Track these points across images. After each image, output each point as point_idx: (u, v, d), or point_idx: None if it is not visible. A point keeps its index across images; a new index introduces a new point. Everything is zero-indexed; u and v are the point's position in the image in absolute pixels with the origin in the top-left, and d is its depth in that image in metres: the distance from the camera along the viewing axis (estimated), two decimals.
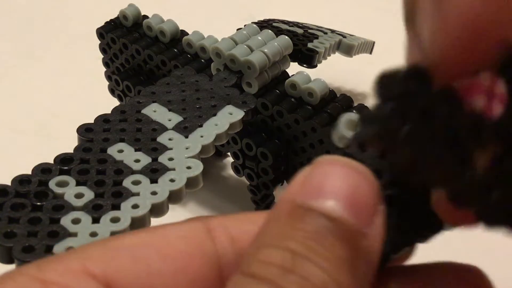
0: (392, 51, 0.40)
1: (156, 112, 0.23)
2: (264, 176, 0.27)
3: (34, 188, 0.19)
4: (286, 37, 0.26)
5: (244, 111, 0.24)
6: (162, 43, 0.29)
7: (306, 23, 0.33)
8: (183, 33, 0.29)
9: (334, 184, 0.12)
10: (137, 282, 0.13)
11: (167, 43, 0.29)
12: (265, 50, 0.25)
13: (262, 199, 0.28)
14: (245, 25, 0.28)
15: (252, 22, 0.32)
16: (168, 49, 0.29)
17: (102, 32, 0.30)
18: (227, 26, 0.33)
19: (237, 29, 0.30)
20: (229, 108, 0.24)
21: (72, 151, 0.21)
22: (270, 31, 0.27)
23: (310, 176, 0.13)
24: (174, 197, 0.20)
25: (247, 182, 0.28)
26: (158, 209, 0.20)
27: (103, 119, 0.23)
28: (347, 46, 0.31)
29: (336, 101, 0.25)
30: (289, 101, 0.25)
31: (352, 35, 0.35)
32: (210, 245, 0.14)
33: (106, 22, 0.31)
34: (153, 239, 0.14)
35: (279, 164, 0.26)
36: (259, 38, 0.26)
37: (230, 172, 0.30)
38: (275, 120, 0.26)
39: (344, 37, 0.32)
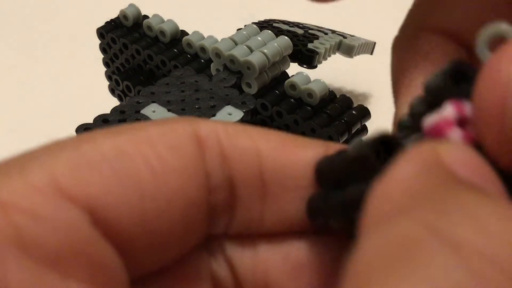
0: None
1: (155, 112, 0.23)
2: None
3: None
4: (286, 37, 0.26)
5: (244, 111, 0.24)
6: (162, 43, 0.29)
7: (306, 24, 0.33)
8: (183, 33, 0.29)
9: None
10: (127, 210, 0.10)
11: (167, 43, 0.29)
12: (265, 51, 0.25)
13: None
14: (245, 26, 0.28)
15: (252, 23, 0.32)
16: (168, 49, 0.29)
17: (102, 32, 0.30)
18: (227, 26, 0.33)
19: (237, 29, 0.30)
20: (229, 108, 0.24)
21: None
22: (270, 31, 0.27)
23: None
24: None
25: None
26: None
27: (102, 119, 0.23)
28: (347, 46, 0.31)
29: (336, 102, 0.25)
30: (289, 101, 0.25)
31: (353, 36, 0.34)
32: (201, 161, 0.12)
33: (107, 22, 0.31)
34: (137, 146, 0.11)
35: None
36: (259, 38, 0.26)
37: None
38: (274, 121, 0.26)
39: (345, 37, 0.32)
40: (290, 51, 0.26)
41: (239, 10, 0.44)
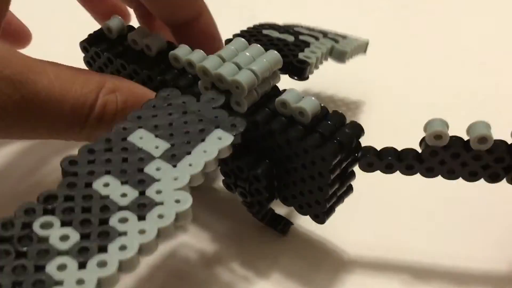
0: (385, 53, 0.39)
1: (143, 139, 0.23)
2: (258, 195, 0.26)
3: (18, 232, 0.19)
4: (275, 52, 0.25)
5: (234, 135, 0.23)
6: (148, 56, 0.28)
7: (298, 26, 0.32)
8: (170, 45, 0.28)
9: None
10: None
11: (153, 57, 0.28)
12: (253, 68, 0.24)
13: (258, 213, 0.28)
14: (234, 37, 0.27)
15: (241, 31, 0.31)
16: (155, 63, 0.28)
17: (85, 46, 0.29)
18: (228, 26, 0.32)
19: (226, 41, 0.29)
20: (218, 132, 0.23)
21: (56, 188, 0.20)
22: (258, 45, 0.26)
23: None
24: (164, 234, 0.20)
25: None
26: (147, 249, 0.19)
27: (87, 149, 0.22)
28: (339, 52, 0.30)
29: (328, 119, 0.25)
30: (280, 120, 0.25)
31: (345, 37, 0.34)
32: None
33: (90, 35, 0.30)
34: None
35: (272, 184, 0.26)
36: (247, 54, 0.25)
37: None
38: (266, 140, 0.25)
39: (337, 41, 0.31)
40: (280, 66, 0.25)
41: (240, 9, 0.43)
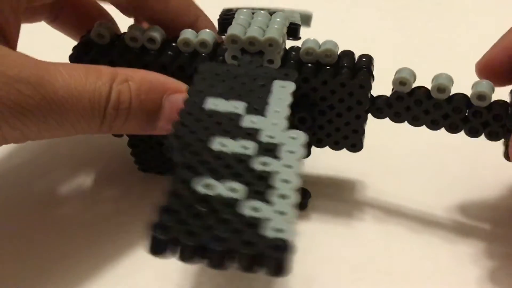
0: (384, 53, 0.43)
1: (218, 105, 0.24)
2: None
3: (192, 198, 0.19)
4: (280, 12, 0.28)
5: (293, 81, 0.25)
6: (152, 50, 0.28)
7: (260, 7, 0.35)
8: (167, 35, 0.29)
9: None
10: None
11: (158, 49, 0.28)
12: (276, 26, 0.27)
13: None
14: (236, 11, 0.28)
15: (220, 15, 0.33)
16: (162, 54, 0.28)
17: (77, 57, 0.28)
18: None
19: (220, 19, 0.30)
20: (278, 83, 0.25)
21: None
22: (262, 11, 0.28)
23: None
24: (300, 165, 0.21)
25: None
26: (299, 180, 0.20)
27: (181, 123, 0.22)
28: (306, 17, 0.33)
29: (344, 56, 0.28)
30: (309, 67, 0.27)
31: (283, 10, 0.37)
32: None
33: (76, 46, 0.29)
34: None
35: (312, 125, 0.28)
36: (259, 18, 0.27)
37: None
38: (300, 88, 0.28)
39: (295, 11, 0.34)
40: (288, 24, 0.28)
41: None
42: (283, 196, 0.19)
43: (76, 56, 0.28)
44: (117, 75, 0.25)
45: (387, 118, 0.28)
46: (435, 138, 0.31)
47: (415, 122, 0.28)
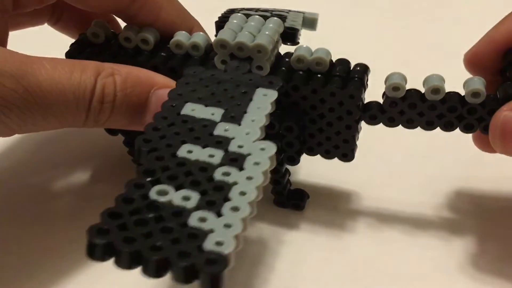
0: (384, 53, 0.42)
1: (195, 110, 0.23)
2: (289, 149, 0.28)
3: (141, 203, 0.18)
4: (275, 18, 0.28)
5: (276, 90, 0.24)
6: (145, 51, 0.28)
7: (265, 8, 0.34)
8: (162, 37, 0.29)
9: None
10: None
11: (151, 50, 0.28)
12: (266, 32, 0.26)
13: (283, 177, 0.29)
14: (230, 16, 0.28)
15: (219, 17, 0.32)
16: (155, 55, 0.28)
17: (72, 55, 0.29)
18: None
19: (218, 21, 0.30)
20: (261, 90, 0.24)
21: None
22: (257, 16, 0.28)
23: None
24: (266, 176, 0.21)
25: None
26: (259, 191, 0.20)
27: (151, 128, 0.22)
28: (310, 20, 0.33)
29: (338, 65, 0.27)
30: (299, 75, 0.27)
31: (289, 11, 0.36)
32: None
33: (73, 44, 0.29)
34: None
35: (302, 135, 0.28)
36: (252, 23, 0.27)
37: None
38: (289, 96, 0.27)
39: (303, 12, 0.34)
40: (282, 30, 0.28)
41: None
42: (235, 209, 0.19)
43: (71, 54, 0.29)
44: (103, 69, 0.26)
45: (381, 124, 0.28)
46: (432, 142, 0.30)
47: (410, 125, 0.28)
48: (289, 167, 0.30)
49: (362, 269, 0.28)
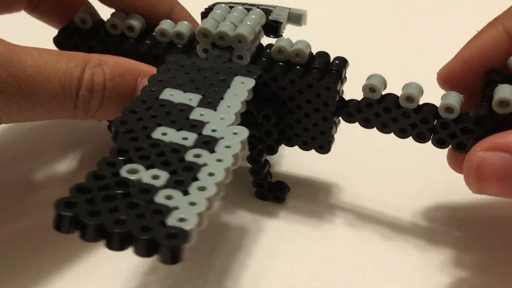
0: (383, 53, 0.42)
1: (173, 95, 0.24)
2: (267, 138, 0.28)
3: (111, 180, 0.19)
4: (257, 9, 0.28)
5: (254, 78, 0.25)
6: (131, 38, 0.29)
7: (248, 2, 0.35)
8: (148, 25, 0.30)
9: None
10: None
11: (136, 38, 0.29)
12: (248, 23, 0.27)
13: (263, 167, 0.30)
14: (214, 5, 0.29)
15: (205, 8, 0.33)
16: (140, 42, 0.29)
17: (60, 40, 0.30)
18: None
19: (203, 12, 0.31)
20: (239, 78, 0.25)
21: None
22: (240, 7, 0.28)
23: None
24: (236, 160, 0.21)
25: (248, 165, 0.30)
26: (228, 173, 0.21)
27: (129, 110, 0.23)
28: (296, 16, 0.33)
29: (317, 57, 0.28)
30: (279, 65, 0.27)
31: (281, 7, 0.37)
32: None
33: (61, 29, 0.30)
34: None
35: (280, 123, 0.28)
36: (235, 14, 0.28)
37: None
38: (268, 86, 0.28)
39: (290, 8, 0.34)
40: (265, 21, 0.28)
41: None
42: (202, 188, 0.19)
43: (59, 39, 0.30)
44: (90, 59, 0.26)
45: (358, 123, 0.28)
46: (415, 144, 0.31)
47: (384, 129, 0.28)
48: (270, 159, 0.31)
49: (340, 257, 0.29)
